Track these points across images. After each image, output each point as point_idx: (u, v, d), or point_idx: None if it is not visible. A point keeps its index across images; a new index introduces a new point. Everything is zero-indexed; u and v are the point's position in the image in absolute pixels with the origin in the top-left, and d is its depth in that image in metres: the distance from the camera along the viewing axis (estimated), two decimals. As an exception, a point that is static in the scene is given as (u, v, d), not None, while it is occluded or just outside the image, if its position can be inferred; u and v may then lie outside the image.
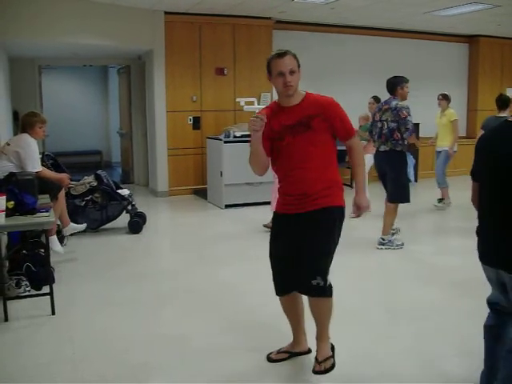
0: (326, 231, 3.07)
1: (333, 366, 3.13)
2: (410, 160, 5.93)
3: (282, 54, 3.04)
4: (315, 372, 3.10)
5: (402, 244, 6.03)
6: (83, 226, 5.96)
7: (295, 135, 3.03)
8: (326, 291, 3.07)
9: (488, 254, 2.47)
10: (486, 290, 2.72)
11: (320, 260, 3.05)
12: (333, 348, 3.23)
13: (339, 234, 3.14)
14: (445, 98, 8.12)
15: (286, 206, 3.16)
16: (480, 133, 7.16)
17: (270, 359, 3.38)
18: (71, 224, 5.74)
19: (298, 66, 3.06)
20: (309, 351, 3.42)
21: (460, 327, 3.89)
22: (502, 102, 7.01)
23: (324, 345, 3.19)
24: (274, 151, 3.15)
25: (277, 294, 3.28)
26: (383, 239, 5.99)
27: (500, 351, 2.57)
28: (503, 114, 6.87)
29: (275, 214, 3.31)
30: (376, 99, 7.70)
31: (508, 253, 2.34)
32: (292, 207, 3.11)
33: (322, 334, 3.19)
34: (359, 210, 3.22)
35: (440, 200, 8.27)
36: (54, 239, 5.31)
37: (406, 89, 5.92)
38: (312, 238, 3.05)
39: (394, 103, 5.81)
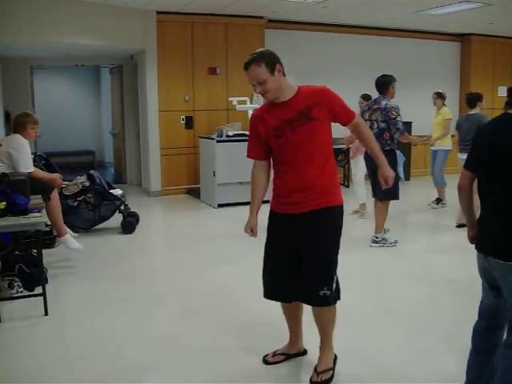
0: (329, 234, 2.97)
1: (331, 379, 3.07)
2: (400, 158, 5.92)
3: (245, 66, 2.89)
4: (312, 383, 3.06)
5: (396, 242, 6.05)
6: (80, 246, 5.44)
7: (295, 127, 2.88)
8: (330, 300, 3.00)
9: (484, 242, 2.51)
10: (479, 287, 2.73)
11: (326, 268, 2.97)
12: (335, 359, 3.19)
13: (339, 233, 3.05)
14: (439, 96, 8.10)
15: (283, 205, 3.01)
16: (456, 134, 7.21)
17: (266, 362, 3.33)
18: (68, 235, 5.39)
19: (272, 69, 2.85)
20: (304, 352, 3.40)
21: (453, 325, 3.91)
22: (470, 100, 7.03)
23: (326, 355, 3.14)
24: (273, 150, 3.02)
25: (266, 297, 3.18)
26: (376, 237, 6.01)
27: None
28: (473, 112, 6.90)
29: (271, 213, 3.13)
30: (365, 97, 7.63)
31: (504, 241, 2.38)
32: (290, 206, 2.97)
33: (324, 344, 3.14)
34: (387, 182, 3.17)
35: (438, 201, 8.28)
36: (67, 238, 5.30)
37: (396, 87, 5.94)
38: (316, 243, 2.94)
39: (383, 103, 5.79)
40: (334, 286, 3.01)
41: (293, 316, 3.30)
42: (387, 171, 3.15)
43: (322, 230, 2.95)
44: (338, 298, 3.09)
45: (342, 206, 3.03)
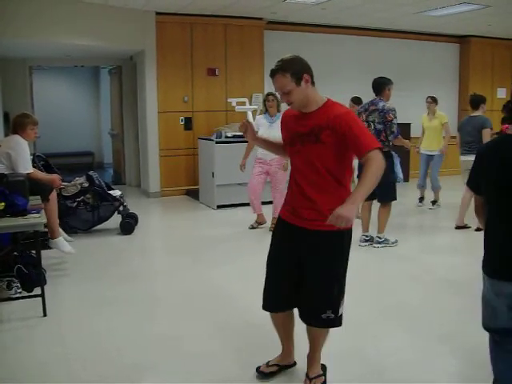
0: (329, 258, 2.84)
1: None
2: (396, 158, 5.98)
3: (271, 74, 2.77)
4: None
5: (396, 241, 6.11)
6: (71, 250, 5.38)
7: (304, 143, 2.79)
8: (336, 322, 2.90)
9: (498, 268, 2.34)
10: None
11: (328, 291, 2.85)
12: (324, 368, 3.14)
13: (346, 258, 2.91)
14: (434, 100, 8.15)
15: (289, 212, 2.94)
16: (457, 136, 7.22)
17: (260, 373, 3.20)
18: (61, 238, 5.35)
19: (298, 79, 2.73)
20: (294, 364, 3.30)
21: (452, 325, 3.91)
22: (474, 102, 7.02)
23: (316, 364, 3.10)
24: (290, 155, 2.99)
25: (265, 308, 3.06)
26: (380, 238, 6.06)
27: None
28: (476, 114, 6.89)
29: (278, 220, 3.06)
30: (355, 101, 7.56)
31: None
32: (294, 216, 2.89)
33: (314, 357, 3.09)
34: (335, 218, 2.49)
35: (434, 202, 8.28)
36: (60, 241, 5.27)
37: (392, 90, 5.96)
38: (316, 266, 2.85)
39: (381, 104, 5.81)
40: (341, 310, 2.91)
41: (284, 328, 3.19)
42: (343, 207, 2.49)
43: (321, 253, 2.83)
44: (340, 323, 2.99)
45: (342, 230, 2.70)
